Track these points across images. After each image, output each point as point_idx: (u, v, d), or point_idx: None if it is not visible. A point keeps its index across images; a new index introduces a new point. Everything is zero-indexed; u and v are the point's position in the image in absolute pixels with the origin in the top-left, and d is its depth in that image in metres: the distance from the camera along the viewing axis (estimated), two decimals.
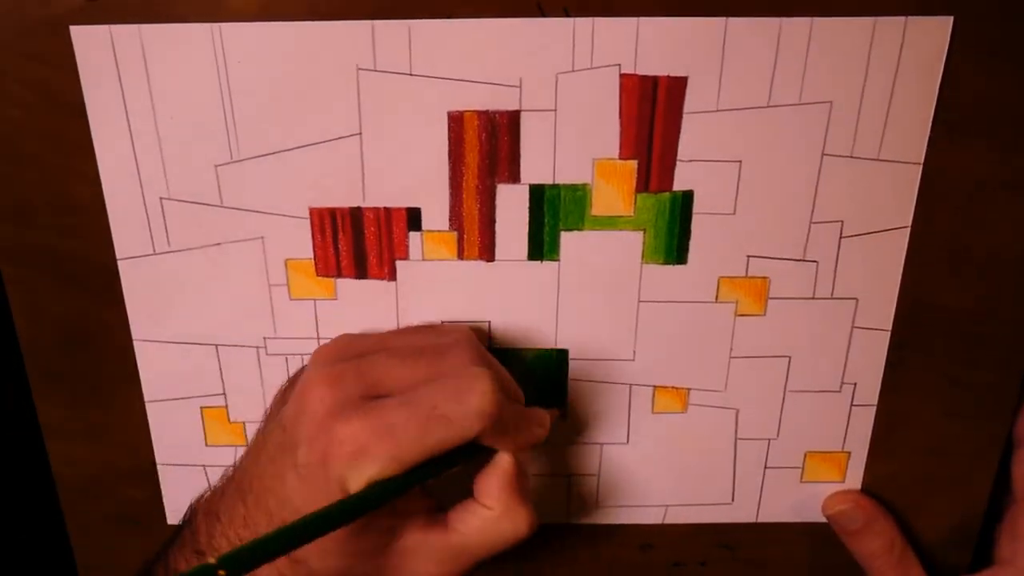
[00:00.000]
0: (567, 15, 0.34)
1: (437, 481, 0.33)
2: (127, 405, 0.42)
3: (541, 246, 0.38)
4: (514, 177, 0.37)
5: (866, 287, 0.39)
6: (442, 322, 0.40)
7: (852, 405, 0.42)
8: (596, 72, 0.35)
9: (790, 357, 0.41)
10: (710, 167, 0.37)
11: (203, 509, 0.37)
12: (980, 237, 0.38)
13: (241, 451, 0.42)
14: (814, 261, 0.38)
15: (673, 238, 0.38)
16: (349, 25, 0.34)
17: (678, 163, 0.37)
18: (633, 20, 0.34)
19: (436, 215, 0.38)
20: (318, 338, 0.40)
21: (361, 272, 0.39)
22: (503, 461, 0.34)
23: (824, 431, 0.42)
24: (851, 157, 0.36)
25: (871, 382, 0.41)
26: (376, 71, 0.35)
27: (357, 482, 0.31)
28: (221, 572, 0.27)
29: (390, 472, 0.31)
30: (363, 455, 0.31)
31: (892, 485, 0.43)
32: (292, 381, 0.38)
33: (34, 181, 0.37)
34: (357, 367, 0.34)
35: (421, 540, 0.34)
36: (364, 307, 0.39)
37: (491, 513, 0.34)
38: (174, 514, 0.44)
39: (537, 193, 0.37)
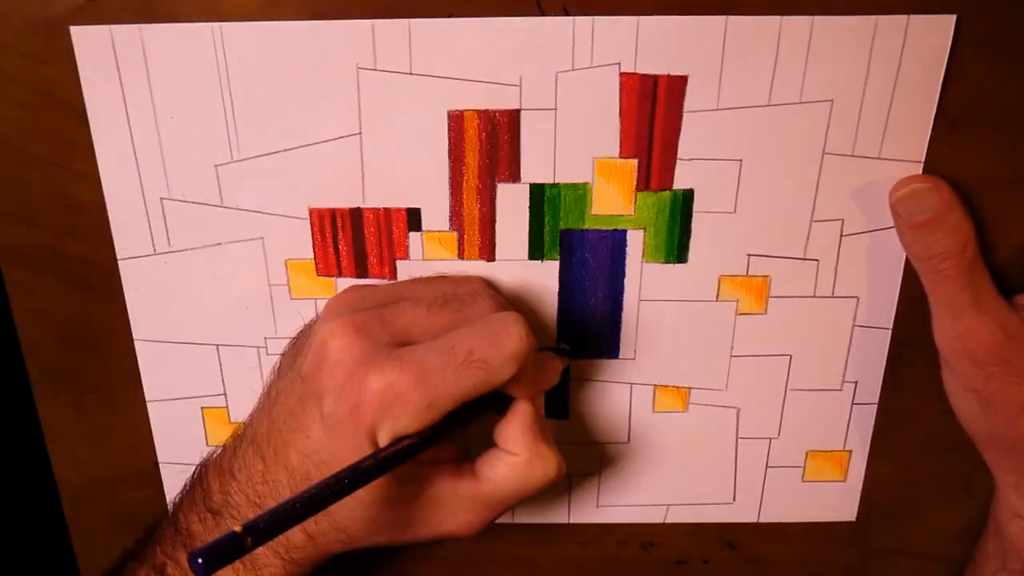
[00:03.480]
0: (567, 14, 0.34)
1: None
2: (128, 405, 0.42)
3: (541, 245, 0.38)
4: (514, 176, 0.37)
5: (867, 285, 0.39)
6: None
7: (853, 404, 0.42)
8: (596, 71, 0.35)
9: (791, 356, 0.41)
10: (711, 166, 0.37)
11: (215, 466, 0.36)
12: (981, 234, 0.38)
13: None
14: (815, 260, 0.38)
15: (674, 237, 0.38)
16: (349, 24, 0.34)
17: (678, 162, 0.37)
18: (633, 19, 0.34)
19: (436, 215, 0.38)
20: None
21: (361, 272, 0.39)
22: (523, 407, 0.34)
23: (825, 430, 0.42)
24: (852, 156, 0.36)
25: (872, 380, 0.41)
26: (376, 70, 0.35)
27: (390, 431, 0.31)
28: (248, 540, 0.26)
29: (424, 420, 0.31)
30: (398, 403, 0.31)
31: (894, 484, 0.43)
32: (303, 334, 0.37)
33: (34, 181, 0.37)
34: (381, 315, 0.33)
35: (450, 489, 0.34)
36: None
37: (518, 459, 0.34)
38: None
39: (537, 192, 0.37)
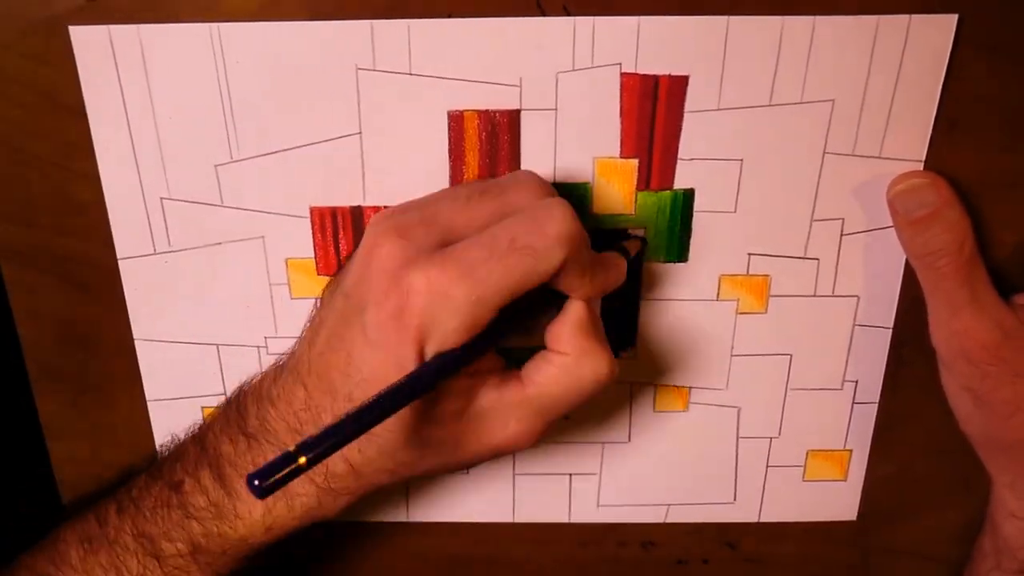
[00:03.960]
0: (567, 14, 0.34)
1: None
2: (128, 405, 0.42)
3: None
4: None
5: (867, 285, 0.39)
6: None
7: (854, 403, 0.42)
8: (597, 71, 0.35)
9: (791, 355, 0.41)
10: (711, 165, 0.37)
11: (252, 392, 0.35)
12: (982, 234, 0.38)
13: None
14: (815, 259, 0.38)
15: (674, 236, 0.38)
16: (348, 25, 0.34)
17: (679, 162, 0.37)
18: (634, 19, 0.34)
19: None
20: None
21: None
22: (575, 306, 0.32)
23: (826, 429, 0.42)
24: (853, 155, 0.36)
25: (873, 380, 0.41)
26: (376, 71, 0.35)
27: (440, 337, 0.29)
28: (302, 460, 0.26)
29: (474, 318, 0.29)
30: (444, 300, 0.29)
31: (894, 483, 0.43)
32: (347, 259, 0.36)
33: (34, 181, 0.37)
34: (421, 215, 0.32)
35: (497, 399, 0.33)
36: None
37: (567, 359, 0.32)
38: None
39: None
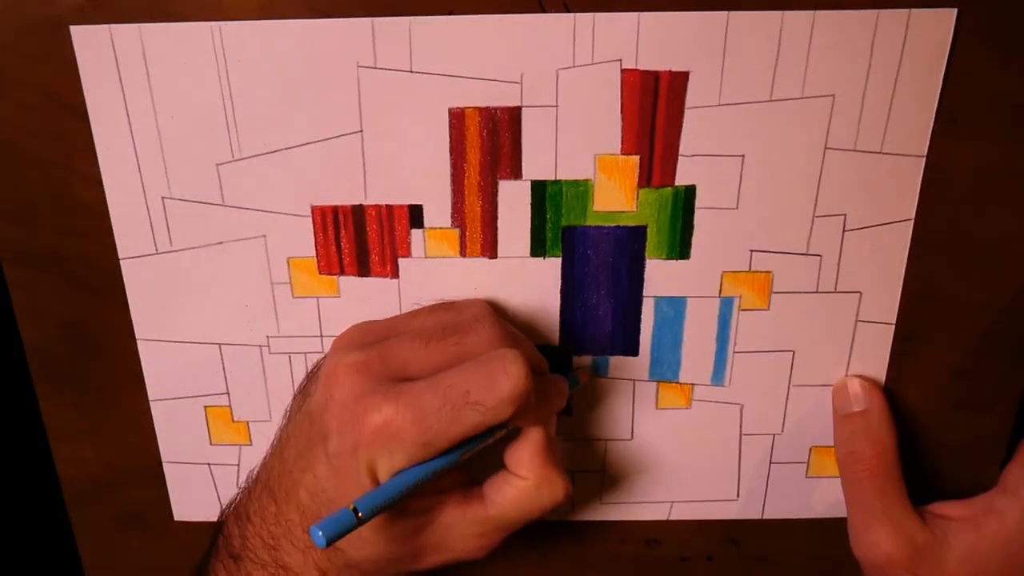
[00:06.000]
0: (567, 11, 0.34)
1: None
2: (131, 405, 0.42)
3: (543, 242, 0.38)
4: (516, 173, 0.37)
5: (870, 280, 0.39)
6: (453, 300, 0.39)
7: None
8: (597, 67, 0.35)
9: (794, 351, 0.40)
10: (712, 162, 0.37)
11: (233, 514, 0.37)
12: (984, 229, 0.38)
13: (245, 449, 0.42)
14: (817, 255, 0.38)
15: (676, 233, 0.38)
16: (349, 23, 0.34)
17: (680, 158, 0.37)
18: (634, 15, 0.34)
19: (438, 212, 0.38)
20: (321, 336, 0.40)
21: (364, 270, 0.39)
22: (533, 433, 0.34)
23: (829, 426, 0.42)
24: (854, 150, 0.36)
25: (876, 375, 0.41)
26: (377, 68, 0.35)
27: (387, 467, 0.31)
28: (359, 514, 0.29)
29: (420, 458, 0.31)
30: (394, 441, 0.31)
31: None
32: (311, 376, 0.38)
33: (36, 182, 0.37)
34: (380, 351, 0.33)
35: (460, 516, 0.35)
36: (367, 305, 0.39)
37: (526, 483, 0.34)
38: (180, 512, 0.44)
39: (539, 189, 0.37)
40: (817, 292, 0.39)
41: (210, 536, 0.39)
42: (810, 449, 0.43)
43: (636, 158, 0.37)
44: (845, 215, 0.38)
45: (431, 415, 0.31)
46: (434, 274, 0.39)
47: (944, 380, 0.40)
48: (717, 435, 0.42)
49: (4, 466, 0.45)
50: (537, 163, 0.37)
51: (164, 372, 0.41)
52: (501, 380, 0.31)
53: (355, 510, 0.29)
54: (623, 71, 0.35)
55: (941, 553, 0.37)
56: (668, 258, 0.38)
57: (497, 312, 0.37)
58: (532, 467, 0.34)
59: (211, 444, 0.42)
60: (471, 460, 0.33)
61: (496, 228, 0.38)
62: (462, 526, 0.35)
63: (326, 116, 0.36)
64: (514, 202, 0.37)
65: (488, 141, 0.36)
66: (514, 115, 0.36)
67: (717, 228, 0.38)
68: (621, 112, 0.36)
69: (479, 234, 0.38)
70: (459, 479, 0.36)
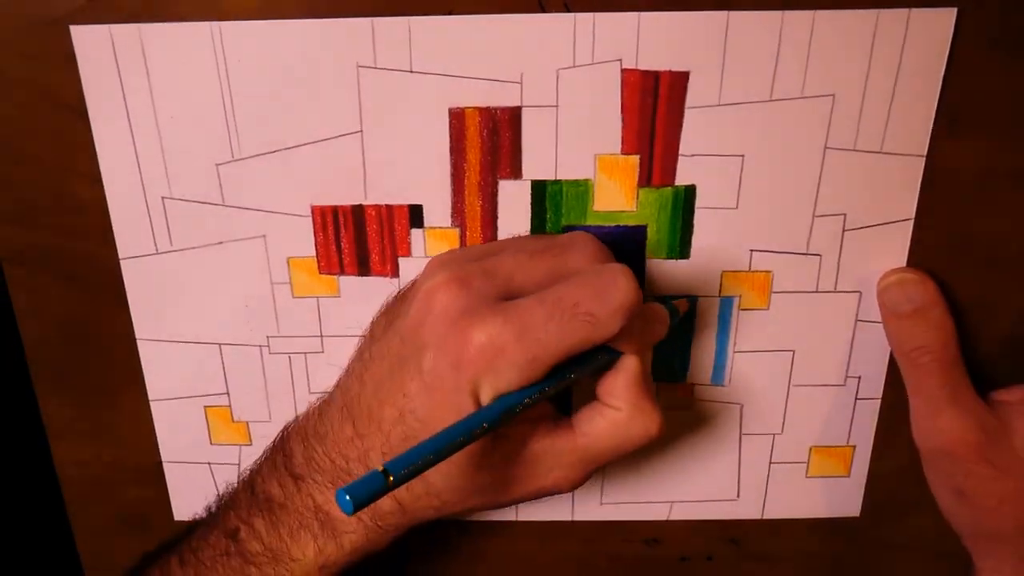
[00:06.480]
0: (567, 10, 0.34)
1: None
2: (131, 405, 0.42)
3: None
4: (516, 173, 0.37)
5: (870, 280, 0.39)
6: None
7: (857, 399, 0.41)
8: (597, 67, 0.35)
9: (794, 351, 0.40)
10: (712, 161, 0.37)
11: (298, 433, 0.36)
12: (984, 229, 0.38)
13: (245, 449, 0.42)
14: (817, 255, 0.38)
15: (676, 233, 0.38)
16: (349, 22, 0.34)
17: (680, 158, 0.37)
18: (634, 15, 0.34)
19: (438, 212, 0.38)
20: (321, 336, 0.40)
21: (364, 269, 0.39)
22: (629, 362, 0.33)
23: (829, 425, 0.42)
24: (854, 150, 0.36)
25: (876, 376, 0.41)
26: (376, 68, 0.35)
27: (493, 388, 0.30)
28: (390, 478, 0.27)
29: (528, 375, 0.30)
30: (502, 358, 0.30)
31: (897, 479, 0.43)
32: (400, 297, 0.36)
33: (36, 181, 0.37)
34: (483, 266, 0.32)
35: (549, 446, 0.33)
36: (367, 304, 0.39)
37: (619, 414, 0.33)
38: (180, 512, 0.44)
39: (539, 189, 0.37)
40: (817, 292, 0.39)
41: (263, 453, 0.37)
42: (810, 449, 0.43)
43: (636, 158, 0.37)
44: (845, 215, 0.38)
45: (539, 327, 0.30)
46: None
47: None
48: (717, 435, 0.43)
49: (4, 466, 0.45)
50: (537, 163, 0.37)
51: (164, 372, 0.41)
52: (611, 291, 0.31)
53: (385, 472, 0.27)
54: (623, 71, 0.35)
55: (1009, 436, 0.37)
56: (668, 258, 0.38)
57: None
58: (626, 397, 0.33)
59: (211, 444, 0.42)
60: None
61: (496, 228, 0.38)
62: (550, 456, 0.33)
63: (326, 116, 0.36)
64: (514, 202, 0.37)
65: (488, 141, 0.36)
66: (514, 115, 0.36)
67: (717, 228, 0.38)
68: (621, 112, 0.36)
69: (479, 234, 0.38)
70: (549, 410, 0.35)
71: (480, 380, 0.30)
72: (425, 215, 0.38)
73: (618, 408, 0.33)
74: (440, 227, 0.38)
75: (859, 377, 0.41)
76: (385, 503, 0.33)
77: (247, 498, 0.36)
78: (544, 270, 0.32)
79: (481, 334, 0.30)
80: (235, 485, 0.38)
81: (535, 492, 0.34)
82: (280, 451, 0.36)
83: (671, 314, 0.37)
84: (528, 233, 0.38)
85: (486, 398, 0.30)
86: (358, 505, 0.26)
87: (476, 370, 0.30)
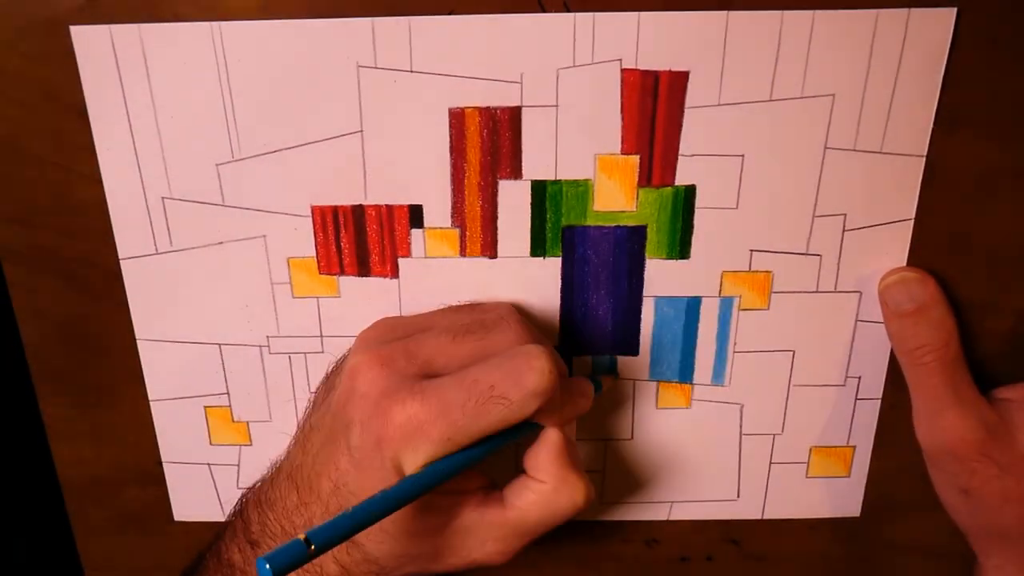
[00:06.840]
0: (567, 10, 0.34)
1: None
2: (131, 405, 0.42)
3: (543, 242, 0.38)
4: (516, 173, 0.37)
5: (870, 280, 0.39)
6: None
7: (857, 399, 0.41)
8: (597, 67, 0.35)
9: (794, 351, 0.40)
10: (712, 161, 0.37)
11: (254, 500, 0.37)
12: (984, 228, 0.38)
13: (245, 450, 0.42)
14: (817, 255, 0.38)
15: (676, 233, 0.38)
16: (349, 22, 0.34)
17: (680, 158, 0.37)
18: (634, 15, 0.34)
19: (438, 212, 0.38)
20: (321, 336, 0.40)
21: (364, 270, 0.39)
22: (552, 435, 0.34)
23: (829, 425, 0.42)
24: (854, 150, 0.36)
25: (876, 376, 0.41)
26: (377, 68, 0.35)
27: (413, 463, 0.31)
28: (311, 547, 0.28)
29: (443, 453, 0.31)
30: (419, 436, 0.31)
31: (898, 479, 0.43)
32: (336, 370, 0.38)
33: (35, 181, 0.37)
34: (406, 347, 0.33)
35: (478, 518, 0.34)
36: (367, 305, 0.39)
37: (546, 487, 0.34)
38: (180, 512, 0.44)
39: (539, 189, 0.37)
40: (817, 292, 0.39)
41: (225, 520, 0.38)
42: (810, 449, 0.43)
43: (636, 158, 0.37)
44: (845, 215, 0.38)
45: (456, 409, 0.31)
46: (434, 274, 0.39)
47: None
48: (717, 435, 0.42)
49: (4, 466, 0.45)
50: (537, 163, 0.37)
51: (164, 372, 0.41)
52: (527, 374, 0.31)
53: (307, 541, 0.28)
54: (623, 71, 0.35)
55: (1011, 433, 0.37)
56: (668, 258, 0.38)
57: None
58: (550, 471, 0.34)
59: (211, 444, 0.42)
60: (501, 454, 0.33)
61: (496, 228, 0.38)
62: (481, 529, 0.34)
63: (326, 116, 0.36)
64: (514, 202, 0.37)
65: (488, 141, 0.36)
66: (514, 115, 0.36)
67: (717, 228, 0.38)
68: (621, 112, 0.36)
69: (479, 234, 0.38)
70: (481, 482, 0.36)
71: (401, 456, 0.31)
72: (425, 215, 0.38)
73: (543, 481, 0.34)
74: (440, 227, 0.38)
75: (859, 377, 0.41)
76: (330, 568, 0.34)
77: (215, 564, 0.37)
78: (467, 351, 0.33)
79: (400, 414, 0.31)
80: (205, 553, 0.39)
81: (469, 563, 0.35)
82: (239, 517, 0.37)
83: (596, 387, 0.38)
84: (458, 305, 0.39)
85: (409, 471, 0.32)
86: (279, 573, 0.27)
87: (397, 447, 0.31)
